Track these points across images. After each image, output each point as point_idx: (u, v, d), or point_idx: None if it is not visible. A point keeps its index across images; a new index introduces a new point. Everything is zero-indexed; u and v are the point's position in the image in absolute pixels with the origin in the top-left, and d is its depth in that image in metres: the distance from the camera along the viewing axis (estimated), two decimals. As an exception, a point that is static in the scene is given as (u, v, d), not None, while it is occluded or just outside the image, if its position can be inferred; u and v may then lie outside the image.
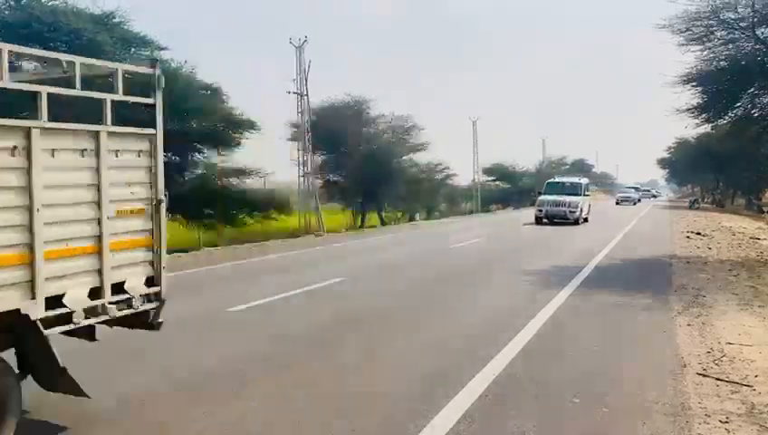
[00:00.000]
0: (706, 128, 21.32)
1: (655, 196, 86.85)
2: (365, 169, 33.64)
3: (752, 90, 15.68)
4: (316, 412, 4.25)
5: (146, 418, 4.20)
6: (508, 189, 62.32)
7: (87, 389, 3.76)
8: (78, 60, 3.98)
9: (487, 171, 61.70)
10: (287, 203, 22.90)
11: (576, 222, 24.47)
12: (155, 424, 4.09)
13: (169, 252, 17.75)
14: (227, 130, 19.60)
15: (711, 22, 15.00)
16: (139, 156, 4.29)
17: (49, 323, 3.57)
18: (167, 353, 5.75)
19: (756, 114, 16.54)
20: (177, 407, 4.38)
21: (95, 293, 3.92)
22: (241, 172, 20.50)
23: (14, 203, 3.38)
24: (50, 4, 15.98)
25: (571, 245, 16.53)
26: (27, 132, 3.41)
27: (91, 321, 3.93)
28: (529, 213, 29.86)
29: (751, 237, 18.84)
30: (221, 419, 4.14)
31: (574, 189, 25.98)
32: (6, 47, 3.41)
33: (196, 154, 19.89)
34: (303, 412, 4.26)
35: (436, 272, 11.31)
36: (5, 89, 3.54)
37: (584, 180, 28.91)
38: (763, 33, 14.68)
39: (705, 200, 59.65)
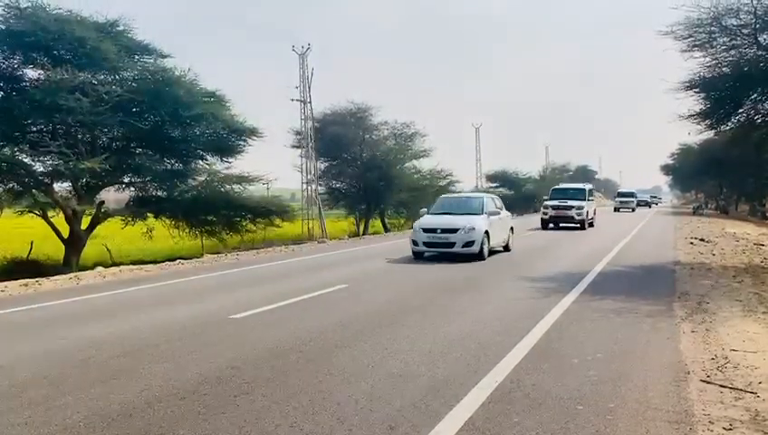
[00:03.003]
0: (710, 134, 21.30)
1: (649, 203, 67.82)
2: (368, 175, 33.73)
3: (754, 96, 15.66)
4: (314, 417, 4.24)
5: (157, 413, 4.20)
6: (511, 196, 62.25)
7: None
8: None
9: (490, 178, 61.84)
10: (290, 210, 22.92)
11: None
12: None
13: (171, 259, 17.81)
14: (230, 137, 19.67)
15: (713, 28, 15.00)
16: None
17: None
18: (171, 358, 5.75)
19: (759, 120, 16.51)
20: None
21: None
22: (244, 179, 20.55)
23: None
24: (54, 12, 16.10)
25: (574, 250, 16.50)
26: None
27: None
28: (533, 219, 29.90)
29: (755, 244, 18.78)
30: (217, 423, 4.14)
31: None
32: None
33: (199, 161, 19.97)
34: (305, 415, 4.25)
35: (435, 279, 11.28)
36: None
37: None
38: (765, 39, 14.67)
39: (709, 206, 59.55)
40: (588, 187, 29.27)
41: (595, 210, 28.68)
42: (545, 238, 21.05)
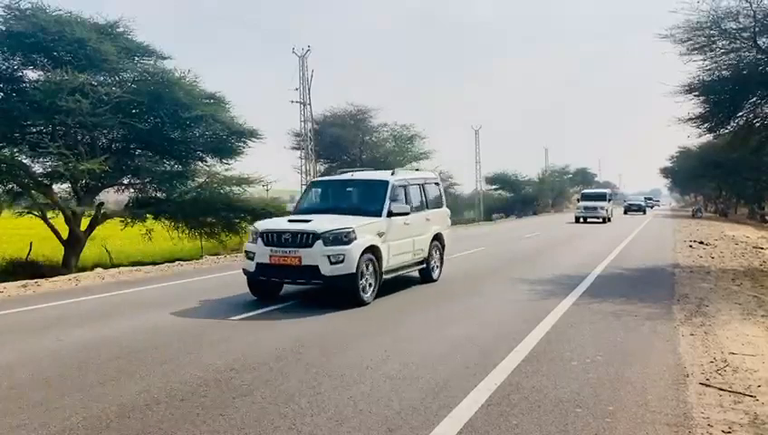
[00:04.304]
0: (709, 137, 21.36)
1: (643, 208, 53.23)
2: (367, 177, 33.79)
3: (753, 99, 15.72)
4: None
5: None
6: (511, 198, 62.50)
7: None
8: None
9: (490, 180, 62.04)
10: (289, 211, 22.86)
11: None
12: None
13: (170, 260, 17.82)
14: (230, 138, 19.66)
15: (712, 32, 15.06)
16: None
17: None
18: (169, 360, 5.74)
19: (758, 124, 16.56)
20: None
21: None
22: (243, 181, 20.52)
23: None
24: (54, 14, 16.10)
25: (573, 252, 16.50)
26: None
27: None
28: (532, 221, 29.83)
29: (754, 247, 18.79)
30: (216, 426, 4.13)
31: None
32: None
33: (199, 163, 19.95)
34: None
35: (436, 282, 11.27)
36: None
37: None
38: (764, 42, 14.72)
39: (709, 209, 59.60)
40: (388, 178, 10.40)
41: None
42: (546, 240, 20.80)
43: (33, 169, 16.84)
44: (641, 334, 6.88)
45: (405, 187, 10.47)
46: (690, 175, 58.57)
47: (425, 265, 10.92)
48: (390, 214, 9.57)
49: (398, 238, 9.78)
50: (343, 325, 7.47)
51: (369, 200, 9.97)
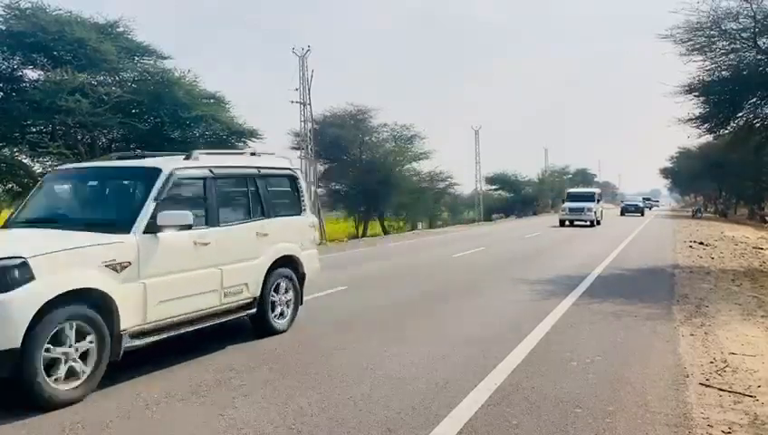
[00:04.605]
0: (709, 138, 21.39)
1: (641, 209, 50.47)
2: (367, 177, 33.83)
3: (753, 99, 15.74)
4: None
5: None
6: (510, 198, 62.56)
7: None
8: None
9: (490, 180, 62.07)
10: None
11: None
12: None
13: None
14: (230, 138, 19.70)
15: (713, 32, 15.09)
16: None
17: None
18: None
19: (758, 124, 16.58)
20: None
21: None
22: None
23: None
24: (54, 13, 16.13)
25: (573, 253, 16.49)
26: None
27: None
28: (532, 222, 29.83)
29: (754, 247, 18.79)
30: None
31: None
32: None
33: (199, 163, 19.99)
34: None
35: (436, 283, 11.28)
36: None
37: None
38: (764, 43, 14.74)
39: (709, 210, 59.60)
40: None
41: None
42: (546, 241, 20.84)
43: (33, 169, 16.86)
44: (641, 335, 6.87)
45: (206, 180, 6.08)
46: (690, 175, 58.62)
47: (255, 310, 6.58)
48: (154, 227, 5.32)
49: (175, 270, 5.54)
50: (341, 324, 7.44)
51: (117, 204, 6.12)
